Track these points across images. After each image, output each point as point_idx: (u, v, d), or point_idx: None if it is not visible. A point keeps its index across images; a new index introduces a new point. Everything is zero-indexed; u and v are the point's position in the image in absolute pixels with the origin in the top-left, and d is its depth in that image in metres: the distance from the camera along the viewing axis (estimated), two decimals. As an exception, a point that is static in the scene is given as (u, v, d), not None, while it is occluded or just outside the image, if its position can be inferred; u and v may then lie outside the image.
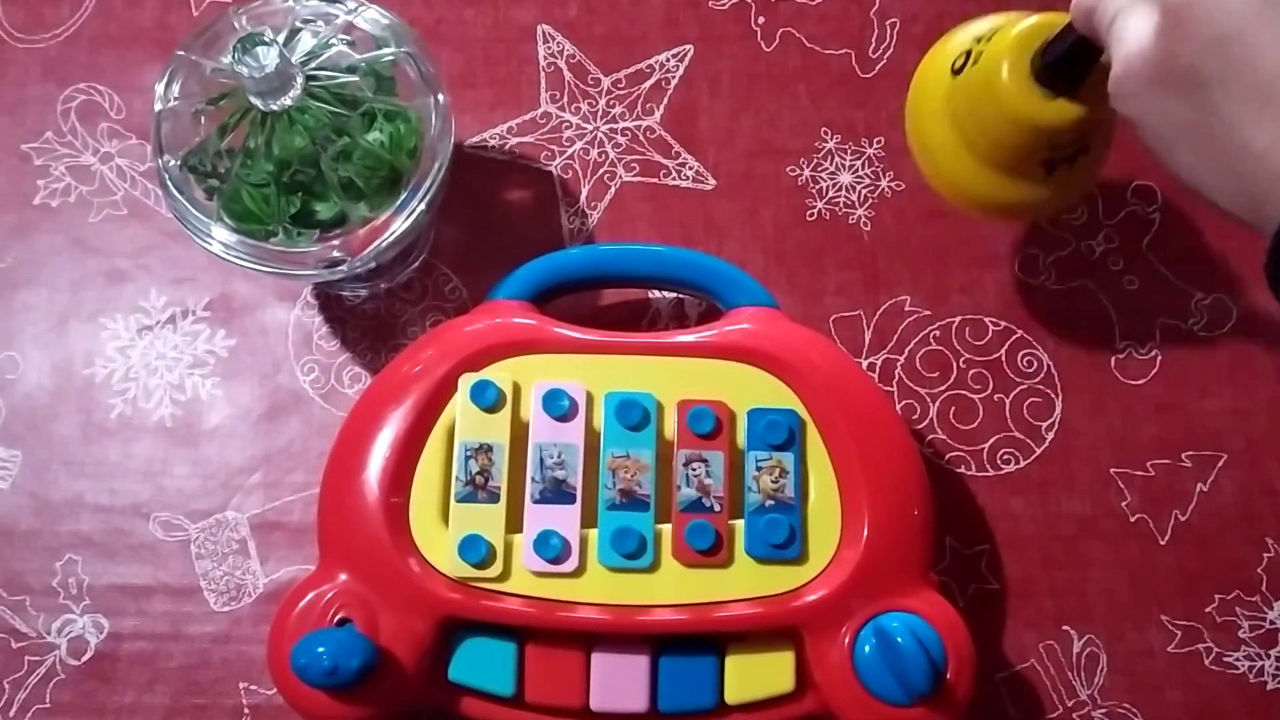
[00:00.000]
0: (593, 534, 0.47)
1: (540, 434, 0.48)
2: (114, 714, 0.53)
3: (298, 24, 0.49)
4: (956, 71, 0.46)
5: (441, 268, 0.59)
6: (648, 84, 0.61)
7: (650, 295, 0.58)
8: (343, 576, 0.47)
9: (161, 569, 0.55)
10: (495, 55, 0.61)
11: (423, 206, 0.49)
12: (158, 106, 0.49)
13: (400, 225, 0.48)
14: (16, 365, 0.58)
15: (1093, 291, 0.58)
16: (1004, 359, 0.57)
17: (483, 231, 0.59)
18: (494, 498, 0.47)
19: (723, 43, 0.61)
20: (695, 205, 0.59)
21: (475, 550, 0.46)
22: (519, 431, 0.48)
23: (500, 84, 0.61)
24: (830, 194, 0.59)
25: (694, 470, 0.48)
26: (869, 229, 0.59)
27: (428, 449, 0.48)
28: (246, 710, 0.53)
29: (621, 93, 0.61)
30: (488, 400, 0.48)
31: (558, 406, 0.48)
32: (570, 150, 0.60)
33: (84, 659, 0.54)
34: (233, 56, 0.44)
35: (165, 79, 0.49)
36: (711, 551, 0.47)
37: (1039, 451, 0.56)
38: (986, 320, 0.58)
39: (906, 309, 0.58)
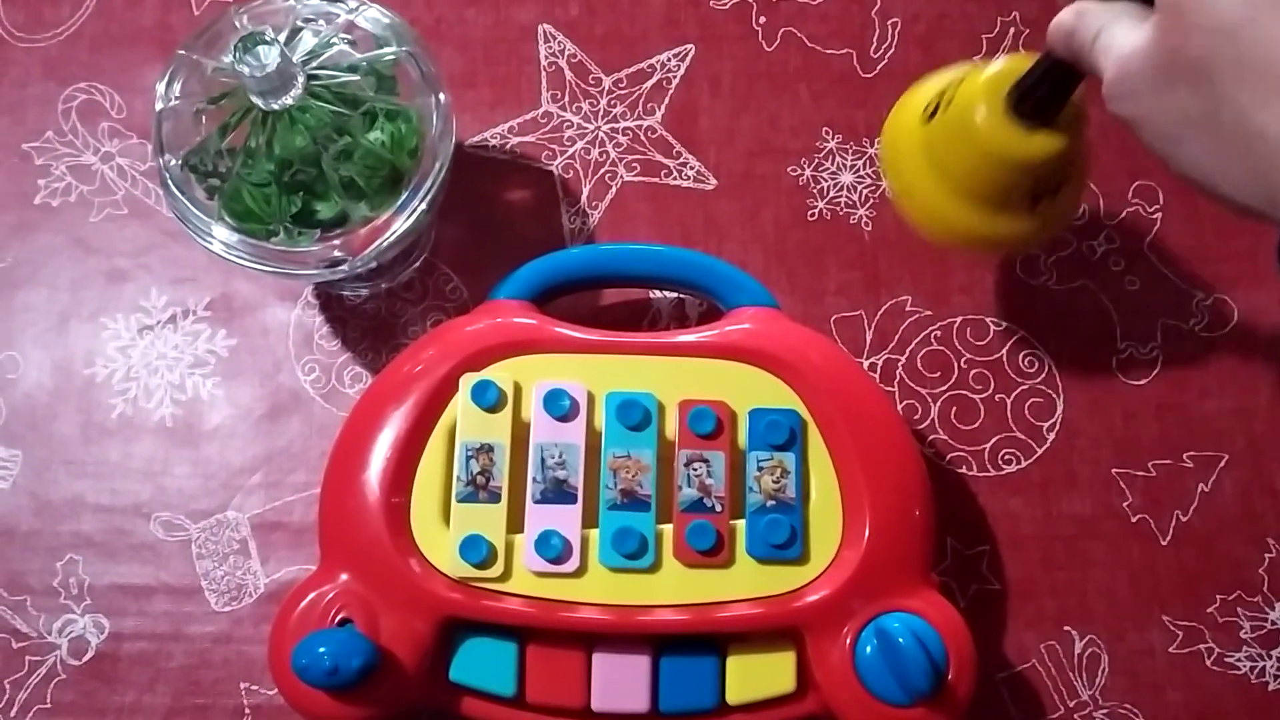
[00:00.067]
0: (594, 534, 0.47)
1: (541, 434, 0.48)
2: (115, 714, 0.53)
3: (299, 23, 0.49)
4: (929, 118, 0.46)
5: (442, 267, 0.59)
6: (649, 84, 0.61)
7: (651, 295, 0.58)
8: (344, 577, 0.47)
9: (162, 569, 0.55)
10: (496, 55, 0.61)
11: (424, 206, 0.49)
12: (158, 106, 0.49)
13: (401, 225, 0.48)
14: (17, 365, 0.58)
15: (1094, 292, 0.58)
16: (1005, 359, 0.57)
17: (483, 231, 0.59)
18: (495, 498, 0.47)
19: (724, 42, 0.61)
20: (696, 205, 0.59)
21: (476, 550, 0.46)
22: (520, 431, 0.48)
23: (501, 83, 0.61)
24: (831, 194, 0.59)
25: (695, 470, 0.48)
26: (870, 229, 0.59)
27: (429, 449, 0.48)
28: (247, 710, 0.53)
29: (622, 92, 0.61)
30: (489, 400, 0.48)
31: (559, 406, 0.48)
32: (571, 150, 0.60)
33: (85, 659, 0.54)
34: (234, 56, 0.44)
35: (166, 78, 0.49)
36: (712, 552, 0.47)
37: (1040, 452, 0.56)
38: (988, 320, 0.58)
39: (908, 309, 0.58)
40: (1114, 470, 0.56)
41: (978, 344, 0.57)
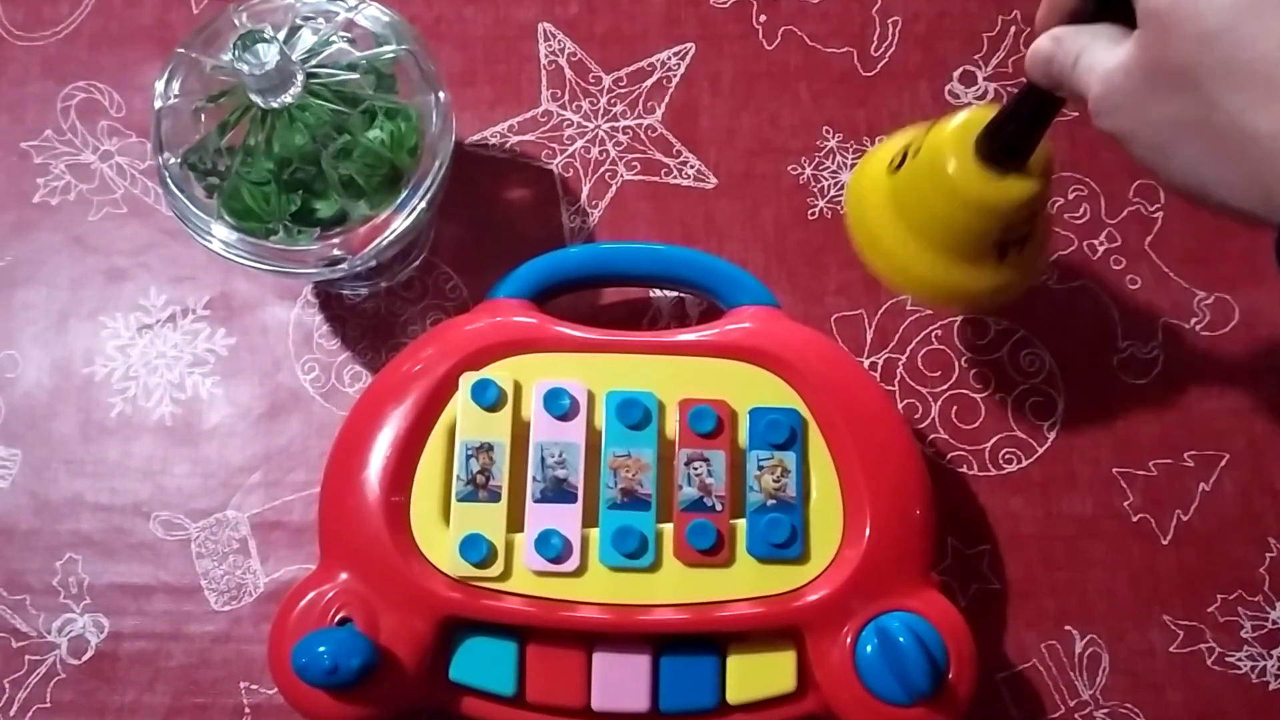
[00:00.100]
0: (594, 533, 0.47)
1: (541, 433, 0.48)
2: (114, 713, 0.53)
3: (298, 21, 0.49)
4: (895, 169, 0.46)
5: (442, 266, 0.59)
6: (649, 82, 0.61)
7: (651, 294, 0.58)
8: (343, 576, 0.47)
9: (162, 568, 0.55)
10: (496, 53, 0.61)
11: (423, 205, 0.49)
12: (157, 104, 0.49)
13: (401, 223, 0.48)
14: (16, 364, 0.58)
15: (1095, 291, 0.58)
16: (1006, 358, 0.57)
17: (483, 230, 0.59)
18: (495, 497, 0.47)
19: (724, 41, 0.61)
20: (696, 204, 0.59)
21: (476, 550, 0.46)
22: (520, 430, 0.48)
23: (501, 82, 0.61)
24: (832, 193, 0.59)
25: (695, 469, 0.48)
26: (870, 228, 0.59)
27: (428, 448, 0.48)
28: (247, 710, 0.53)
29: (623, 91, 0.61)
30: (488, 399, 0.48)
31: (559, 405, 0.48)
32: (571, 149, 0.60)
33: (84, 658, 0.54)
34: (233, 54, 0.44)
35: (165, 76, 0.49)
36: (713, 551, 0.47)
37: (1040, 451, 0.56)
38: (988, 319, 0.58)
39: (908, 308, 0.58)
40: (1115, 470, 0.56)
41: (978, 343, 0.57)
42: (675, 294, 0.58)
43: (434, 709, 0.47)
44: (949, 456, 0.56)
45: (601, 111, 0.60)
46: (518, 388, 0.49)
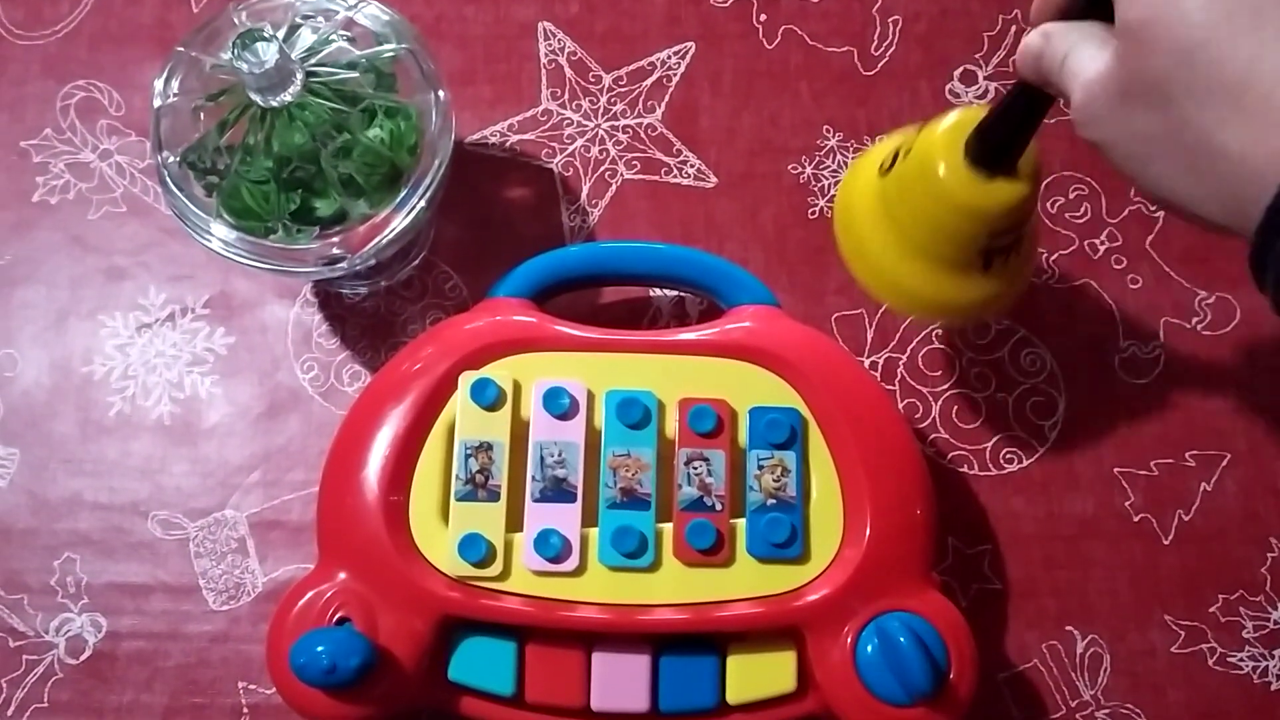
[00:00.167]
0: (593, 533, 0.47)
1: (541, 432, 0.48)
2: (112, 713, 0.53)
3: (297, 20, 0.49)
4: (885, 171, 0.45)
5: (441, 265, 0.58)
6: (649, 81, 0.61)
7: (651, 293, 0.58)
8: (342, 575, 0.47)
9: (160, 568, 0.55)
10: (496, 52, 0.61)
11: (423, 204, 0.48)
12: (157, 103, 0.49)
13: (400, 222, 0.48)
14: (15, 363, 0.58)
15: (1096, 290, 0.58)
16: (1007, 358, 0.57)
17: (483, 229, 0.59)
18: (494, 496, 0.47)
19: (724, 40, 0.61)
20: (696, 203, 0.59)
21: (475, 549, 0.46)
22: (519, 430, 0.48)
23: (501, 81, 0.61)
24: (832, 192, 0.59)
25: (695, 469, 0.47)
26: (871, 227, 0.59)
27: (427, 447, 0.48)
28: (245, 710, 0.53)
29: (623, 90, 0.61)
30: (488, 398, 0.48)
31: (558, 405, 0.48)
32: (571, 148, 0.60)
33: (82, 658, 0.54)
34: (232, 52, 0.44)
35: (164, 75, 0.49)
36: (713, 551, 0.47)
37: (1041, 451, 0.56)
38: (989, 319, 0.57)
39: (909, 307, 0.58)
40: (1116, 469, 0.56)
41: (979, 342, 0.57)
42: (675, 293, 0.58)
43: (433, 709, 0.47)
44: (950, 456, 0.56)
45: (601, 110, 0.60)
46: (517, 387, 0.49)
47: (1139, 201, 0.59)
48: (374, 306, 0.58)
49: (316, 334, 0.58)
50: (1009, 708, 0.53)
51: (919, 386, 0.57)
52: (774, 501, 0.47)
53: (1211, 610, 0.54)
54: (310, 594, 0.46)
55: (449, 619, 0.46)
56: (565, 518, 0.47)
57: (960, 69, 0.61)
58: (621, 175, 0.60)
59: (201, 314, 0.58)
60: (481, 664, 0.46)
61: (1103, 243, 0.58)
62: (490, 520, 0.47)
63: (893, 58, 0.61)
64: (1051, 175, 0.58)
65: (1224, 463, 0.56)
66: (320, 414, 0.57)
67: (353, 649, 0.43)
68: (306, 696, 0.45)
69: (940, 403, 0.57)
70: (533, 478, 0.47)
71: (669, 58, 0.61)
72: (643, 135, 0.60)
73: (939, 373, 0.57)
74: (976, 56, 0.60)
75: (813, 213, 0.59)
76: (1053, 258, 0.58)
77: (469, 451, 0.47)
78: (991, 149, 0.42)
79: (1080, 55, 0.36)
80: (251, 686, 0.53)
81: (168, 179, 0.48)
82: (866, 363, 0.57)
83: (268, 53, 0.44)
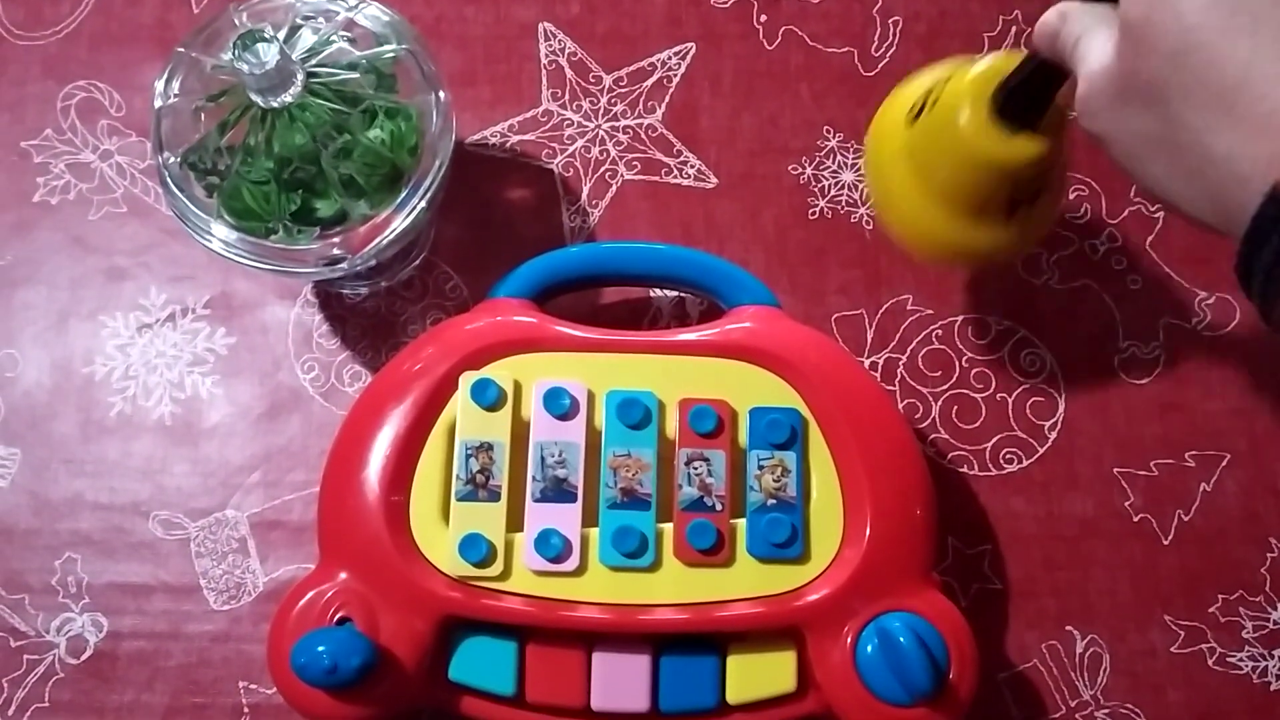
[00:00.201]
0: (594, 533, 0.47)
1: (541, 432, 0.48)
2: (113, 713, 0.53)
3: (298, 21, 0.49)
4: (914, 118, 0.46)
5: (442, 266, 0.58)
6: (649, 82, 0.61)
7: (651, 294, 0.58)
8: (343, 575, 0.47)
9: (161, 568, 0.55)
10: (496, 53, 0.61)
11: (423, 204, 0.48)
12: (158, 104, 0.49)
13: (401, 223, 0.48)
14: (16, 363, 0.58)
15: (1096, 291, 0.58)
16: (1007, 358, 0.57)
17: (483, 229, 0.59)
18: (495, 496, 0.47)
19: (724, 41, 0.61)
20: (697, 204, 0.59)
21: (476, 549, 0.46)
22: (520, 430, 0.48)
23: (501, 82, 0.61)
24: (832, 193, 0.59)
25: (695, 469, 0.48)
26: (871, 228, 0.59)
27: (428, 447, 0.48)
28: (246, 709, 0.53)
29: (623, 91, 0.61)
30: (488, 399, 0.48)
31: (559, 405, 0.48)
32: (571, 148, 0.60)
33: (83, 658, 0.54)
34: (233, 53, 0.44)
35: (165, 76, 0.49)
36: (713, 551, 0.47)
37: (1042, 451, 0.56)
38: (989, 319, 0.58)
39: (909, 308, 0.58)
40: (1116, 470, 0.56)
41: (979, 343, 0.57)
42: (676, 294, 0.58)
43: (433, 709, 0.47)
44: (950, 456, 0.56)
45: (602, 111, 0.60)
46: (518, 387, 0.49)
47: (1139, 202, 0.59)
48: (375, 307, 0.58)
49: (317, 334, 0.58)
50: (1009, 708, 0.53)
51: (919, 386, 0.57)
52: (774, 502, 0.47)
53: (1211, 610, 0.54)
54: (311, 594, 0.46)
55: (450, 619, 0.46)
56: (566, 518, 0.47)
57: (960, 69, 0.61)
58: (622, 176, 0.60)
59: (202, 314, 0.58)
60: (482, 664, 0.46)
61: (1103, 243, 0.58)
62: (491, 520, 0.47)
63: (893, 58, 0.61)
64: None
65: (1224, 463, 0.56)
66: (321, 414, 0.57)
67: (354, 649, 0.43)
68: (307, 696, 0.45)
69: (940, 403, 0.57)
70: (533, 478, 0.47)
71: (669, 58, 0.61)
72: (643, 136, 0.60)
73: (939, 373, 0.57)
74: (977, 57, 0.60)
75: (813, 213, 0.59)
76: (1053, 258, 0.58)
77: (470, 452, 0.47)
78: (1013, 107, 0.42)
79: (1090, 42, 0.36)
80: (252, 686, 0.53)
81: (168, 180, 0.48)
82: (867, 363, 0.57)
83: (268, 54, 0.44)
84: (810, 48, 0.61)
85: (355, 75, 0.48)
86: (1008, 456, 0.56)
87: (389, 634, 0.45)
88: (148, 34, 0.61)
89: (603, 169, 0.60)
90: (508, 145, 0.60)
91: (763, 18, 0.61)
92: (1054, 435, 0.56)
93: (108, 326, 0.58)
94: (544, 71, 0.61)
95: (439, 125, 0.49)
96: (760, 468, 0.48)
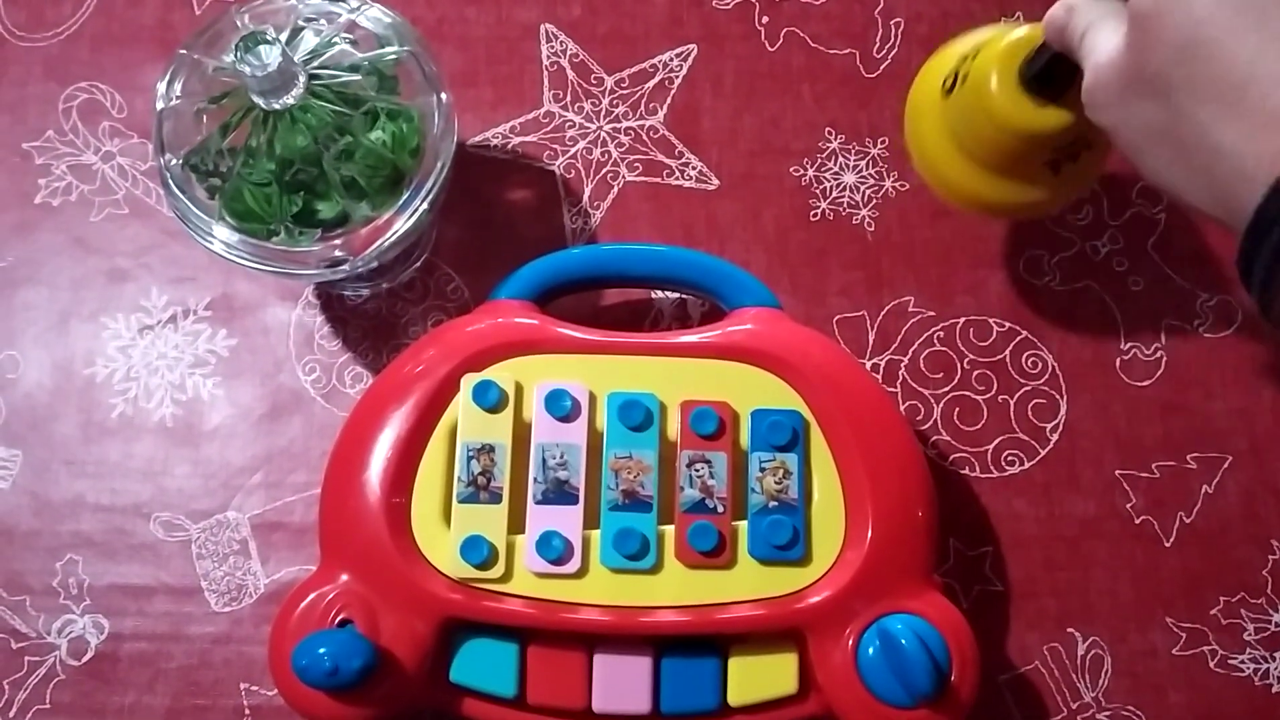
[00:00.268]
0: (595, 535, 0.47)
1: (542, 434, 0.48)
2: (114, 714, 0.53)
3: (300, 23, 0.49)
4: (948, 92, 0.47)
5: (443, 267, 0.58)
6: (651, 83, 0.61)
7: (653, 295, 0.58)
8: (344, 577, 0.47)
9: (162, 569, 0.55)
10: (498, 54, 0.61)
11: (425, 206, 0.48)
12: (159, 105, 0.49)
13: (402, 225, 0.48)
14: (17, 365, 0.58)
15: (1097, 292, 0.58)
16: (1008, 360, 0.57)
17: (485, 231, 0.59)
18: (496, 498, 0.47)
19: (726, 42, 0.61)
20: (698, 205, 0.59)
21: (477, 551, 0.46)
22: (521, 432, 0.48)
23: (503, 83, 0.61)
24: (834, 194, 0.59)
25: (697, 471, 0.48)
26: (873, 229, 0.59)
27: (429, 449, 0.48)
28: (247, 711, 0.53)
29: (625, 92, 0.61)
30: (490, 400, 0.48)
31: (560, 407, 0.48)
32: (573, 150, 0.60)
33: (84, 659, 0.54)
34: (235, 55, 0.44)
35: (167, 78, 0.49)
36: (714, 553, 0.47)
37: (1043, 453, 0.56)
38: (991, 321, 0.58)
39: (910, 310, 0.58)
40: (1117, 471, 0.56)
41: (980, 345, 0.57)
42: (677, 295, 0.58)
43: (434, 710, 0.47)
44: (951, 458, 0.56)
45: (603, 112, 0.60)
46: (519, 389, 0.49)
47: (1140, 204, 0.59)
48: (376, 308, 0.58)
49: (318, 336, 0.58)
50: (1010, 709, 0.53)
51: (920, 388, 0.57)
52: (776, 503, 0.47)
53: (1213, 612, 0.54)
54: (312, 596, 0.46)
55: (451, 621, 0.46)
56: (567, 520, 0.47)
57: (962, 71, 0.61)
58: (623, 177, 0.60)
59: (203, 316, 0.58)
60: (483, 666, 0.46)
61: (1104, 245, 0.58)
62: (492, 522, 0.47)
63: (895, 60, 0.61)
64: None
65: (1225, 465, 0.56)
66: (322, 416, 0.57)
67: (355, 651, 0.43)
68: (308, 698, 0.45)
69: (942, 405, 0.57)
70: (534, 480, 0.47)
71: (671, 60, 0.61)
72: (644, 137, 0.60)
73: (940, 375, 0.57)
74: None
75: (814, 215, 0.59)
76: (1054, 260, 0.58)
77: (471, 453, 0.47)
78: (1038, 83, 0.43)
79: (1097, 34, 0.36)
80: (254, 688, 0.53)
81: (170, 181, 0.48)
82: (868, 365, 0.57)
83: (270, 55, 0.44)
84: (812, 49, 0.61)
85: (357, 77, 0.48)
86: (1009, 458, 0.56)
87: (390, 636, 0.45)
88: (149, 35, 0.61)
89: (604, 170, 0.60)
90: (509, 147, 0.60)
91: (764, 19, 0.61)
92: (1055, 437, 0.56)
93: (109, 328, 0.58)
94: (545, 73, 0.61)
95: (441, 127, 0.49)
96: (762, 470, 0.48)
